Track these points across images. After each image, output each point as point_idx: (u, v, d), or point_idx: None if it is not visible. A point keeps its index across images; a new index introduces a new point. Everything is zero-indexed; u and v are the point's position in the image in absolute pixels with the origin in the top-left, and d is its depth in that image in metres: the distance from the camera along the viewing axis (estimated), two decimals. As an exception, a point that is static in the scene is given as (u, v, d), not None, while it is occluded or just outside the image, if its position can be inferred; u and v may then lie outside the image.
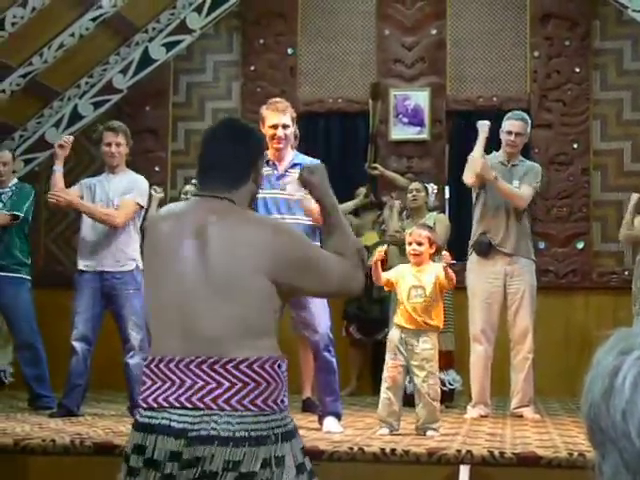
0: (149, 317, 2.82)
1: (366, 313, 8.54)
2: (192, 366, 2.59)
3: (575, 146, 9.21)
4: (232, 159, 2.85)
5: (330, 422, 5.67)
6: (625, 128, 9.24)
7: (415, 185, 7.97)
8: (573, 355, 8.24)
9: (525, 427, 6.08)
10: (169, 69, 9.89)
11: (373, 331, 8.47)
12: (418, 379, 5.56)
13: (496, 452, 4.69)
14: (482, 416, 6.67)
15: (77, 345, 6.62)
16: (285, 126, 5.89)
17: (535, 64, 9.38)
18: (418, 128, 9.45)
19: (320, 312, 5.73)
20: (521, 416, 6.65)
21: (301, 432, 5.47)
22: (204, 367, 2.58)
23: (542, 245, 9.00)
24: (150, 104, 9.79)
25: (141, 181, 6.88)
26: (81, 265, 6.75)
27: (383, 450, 4.74)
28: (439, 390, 5.70)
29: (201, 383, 2.58)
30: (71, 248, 9.21)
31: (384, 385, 5.62)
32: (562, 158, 9.19)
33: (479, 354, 6.84)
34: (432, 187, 8.11)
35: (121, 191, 6.74)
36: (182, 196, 8.33)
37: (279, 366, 2.67)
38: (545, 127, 9.27)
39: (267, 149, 6.07)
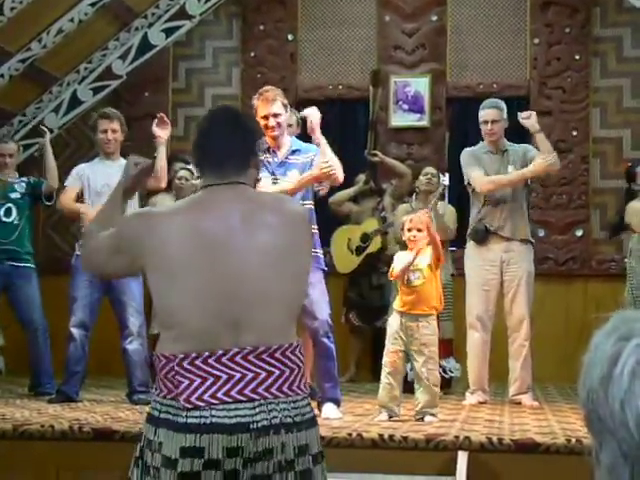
0: (170, 315, 2.66)
1: (366, 300, 8.55)
2: (238, 358, 2.55)
3: (575, 133, 9.20)
4: (238, 145, 2.82)
5: (329, 408, 5.68)
6: (625, 116, 9.23)
7: (430, 170, 7.95)
8: (572, 342, 8.24)
9: (523, 414, 6.09)
10: (168, 55, 9.88)
11: (373, 318, 8.48)
12: (417, 364, 5.57)
13: (494, 438, 4.70)
14: (480, 402, 6.69)
15: (75, 331, 6.63)
16: (276, 115, 5.92)
17: (535, 51, 9.37)
18: (418, 115, 9.44)
19: (319, 299, 5.74)
20: (519, 403, 6.66)
21: (300, 418, 5.49)
22: (251, 357, 2.55)
23: (541, 232, 9.00)
24: (149, 90, 9.78)
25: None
26: (79, 251, 6.76)
27: (382, 436, 4.75)
28: (439, 375, 5.71)
29: (251, 375, 2.54)
30: (70, 235, 9.21)
31: (384, 370, 5.63)
32: (562, 145, 9.17)
33: (476, 341, 6.84)
34: (445, 179, 8.11)
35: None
36: (176, 181, 8.32)
37: (302, 350, 2.71)
38: (545, 114, 9.24)
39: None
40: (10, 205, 7.50)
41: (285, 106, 6.00)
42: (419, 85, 9.42)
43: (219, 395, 2.52)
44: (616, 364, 1.14)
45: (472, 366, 6.87)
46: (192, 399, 2.52)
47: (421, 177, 7.94)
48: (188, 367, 2.55)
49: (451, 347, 7.69)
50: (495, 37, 9.43)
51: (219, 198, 2.74)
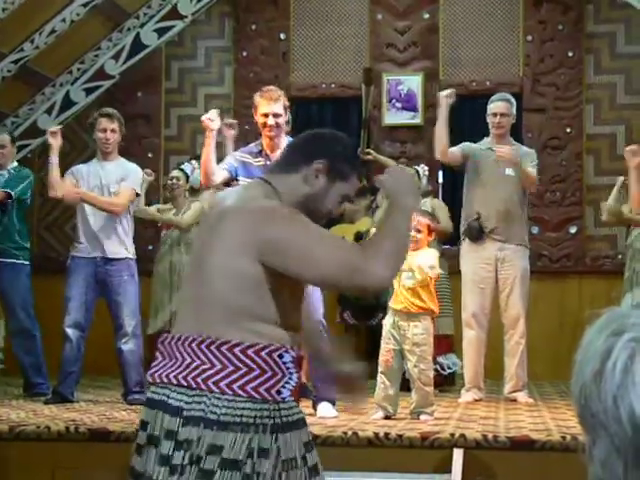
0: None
1: (360, 299, 8.54)
2: (193, 345, 2.58)
3: (568, 130, 9.21)
4: (291, 150, 2.86)
5: (324, 407, 5.68)
6: (618, 112, 9.24)
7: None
8: (566, 339, 8.25)
9: (519, 411, 6.10)
10: (161, 55, 9.87)
11: (367, 317, 8.47)
12: (410, 364, 5.57)
13: (490, 436, 4.71)
14: (476, 400, 6.69)
15: (70, 332, 6.62)
16: (276, 115, 5.88)
17: (528, 48, 9.37)
18: (411, 113, 9.44)
19: (313, 298, 5.73)
20: (515, 400, 6.67)
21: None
22: (202, 346, 2.56)
23: (535, 230, 9.01)
24: (142, 90, 9.77)
25: (135, 169, 6.90)
26: (75, 251, 6.76)
27: (377, 435, 4.76)
28: (432, 375, 5.70)
29: (197, 362, 2.55)
30: (64, 234, 9.22)
31: (379, 369, 5.64)
32: (555, 142, 9.19)
33: (471, 339, 6.85)
34: (423, 168, 8.11)
35: (115, 178, 6.75)
36: (168, 182, 8.34)
37: (280, 356, 2.57)
38: (538, 111, 9.27)
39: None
40: None
41: (286, 108, 5.98)
42: (412, 83, 9.43)
43: (171, 376, 2.58)
44: (608, 359, 1.14)
45: (467, 364, 6.88)
46: (155, 375, 2.63)
47: None
48: (161, 346, 2.67)
49: (451, 343, 7.70)
50: (488, 34, 9.43)
51: (235, 189, 2.94)
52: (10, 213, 7.33)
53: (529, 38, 9.36)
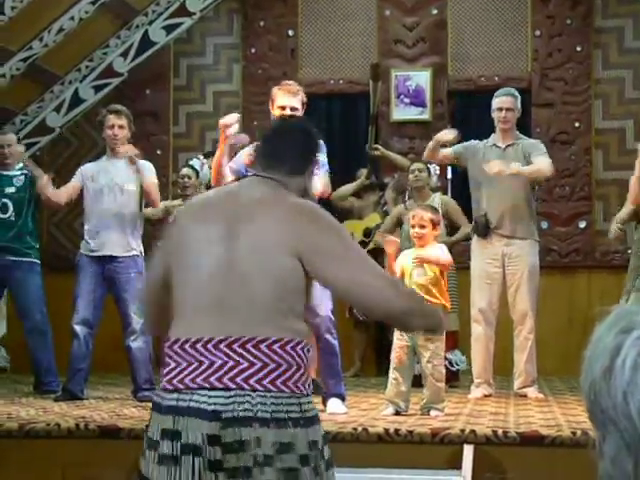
0: (176, 300, 2.70)
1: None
2: (222, 346, 2.54)
3: (577, 125, 9.19)
4: (288, 147, 2.88)
5: (334, 403, 5.68)
6: (627, 107, 9.22)
7: (417, 165, 7.97)
8: (576, 334, 8.24)
9: (528, 406, 6.09)
10: (169, 52, 9.87)
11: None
12: (423, 359, 5.56)
13: (500, 431, 4.70)
14: (485, 396, 6.68)
15: (78, 329, 6.63)
16: (293, 109, 5.88)
17: (536, 43, 9.36)
18: (420, 109, 9.43)
19: (321, 295, 5.71)
20: (525, 396, 6.66)
21: (305, 414, 5.48)
22: (235, 346, 2.54)
23: (544, 225, 8.99)
24: (151, 87, 9.78)
25: (147, 163, 6.90)
26: (84, 249, 6.77)
27: (387, 430, 4.75)
28: (444, 371, 5.70)
29: (232, 363, 2.52)
30: (73, 232, 9.23)
31: (391, 366, 5.63)
32: (564, 137, 9.18)
33: (479, 335, 6.84)
34: (435, 167, 8.10)
35: (126, 176, 6.75)
36: (179, 180, 8.34)
37: (308, 350, 2.65)
38: (547, 106, 9.26)
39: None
40: (5, 200, 7.32)
41: (303, 104, 5.98)
42: (420, 79, 9.41)
43: (198, 380, 2.53)
44: (618, 356, 1.14)
45: (476, 359, 6.87)
46: (174, 381, 2.56)
47: (409, 175, 7.96)
48: (177, 350, 2.59)
49: (456, 339, 7.70)
50: (496, 29, 9.42)
51: (235, 188, 2.86)
52: (25, 214, 7.36)
53: (537, 33, 9.34)
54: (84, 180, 6.83)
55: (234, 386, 2.51)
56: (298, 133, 2.94)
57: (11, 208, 7.33)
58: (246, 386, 2.52)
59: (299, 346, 2.61)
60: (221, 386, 2.51)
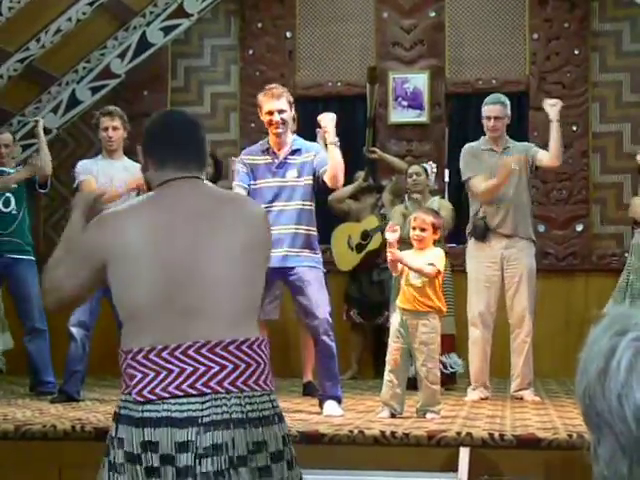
0: (127, 309, 2.66)
1: (366, 297, 8.54)
2: (191, 351, 2.53)
3: (574, 128, 9.18)
4: (198, 142, 2.85)
5: (330, 406, 5.68)
6: (624, 110, 9.22)
7: (415, 169, 7.96)
8: (573, 337, 8.24)
9: (525, 409, 6.09)
10: (167, 53, 9.87)
11: (373, 315, 8.47)
12: (418, 362, 5.57)
13: (496, 434, 4.71)
14: (482, 399, 6.69)
15: (75, 331, 6.63)
16: (281, 111, 5.89)
17: (534, 46, 9.36)
18: (417, 111, 9.42)
19: (318, 297, 5.73)
20: (521, 398, 6.66)
21: (302, 416, 5.52)
22: (204, 351, 2.53)
23: (542, 228, 8.99)
24: (148, 89, 9.77)
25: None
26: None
27: (383, 433, 4.75)
28: (439, 374, 5.69)
29: (203, 368, 2.52)
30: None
31: (386, 368, 5.63)
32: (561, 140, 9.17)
33: (476, 338, 6.84)
34: (431, 165, 8.10)
35: (123, 178, 6.76)
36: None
37: (266, 346, 2.67)
38: (544, 109, 9.24)
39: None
40: (9, 195, 7.40)
41: (290, 104, 5.98)
42: (418, 81, 9.41)
43: (170, 389, 2.51)
44: (613, 358, 1.14)
45: (473, 363, 6.87)
46: (144, 393, 2.53)
47: (408, 178, 7.95)
48: (142, 361, 2.55)
49: (453, 342, 7.69)
50: (494, 32, 9.42)
51: (179, 192, 2.73)
52: (24, 209, 7.41)
53: (535, 36, 9.34)
54: (92, 173, 6.84)
55: (209, 391, 2.52)
56: (195, 128, 2.88)
57: (13, 202, 7.40)
58: (221, 389, 2.52)
59: (263, 344, 2.64)
60: (195, 392, 2.51)
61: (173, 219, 2.66)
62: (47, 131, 9.50)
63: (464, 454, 4.56)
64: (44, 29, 8.77)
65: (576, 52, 9.27)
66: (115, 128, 6.81)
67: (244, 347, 2.57)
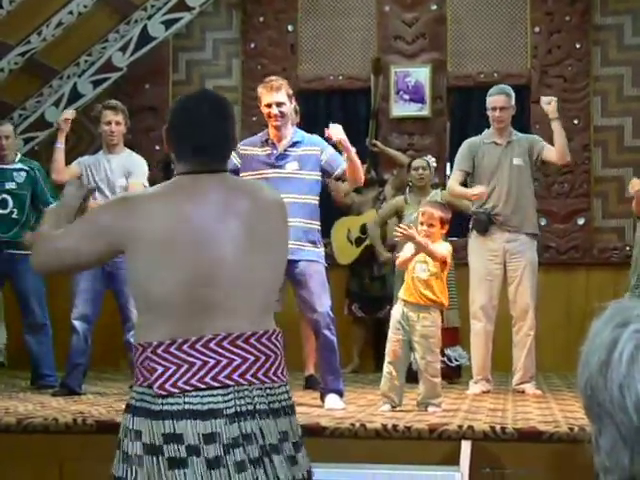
0: (146, 299, 2.64)
1: (367, 291, 8.55)
2: (212, 344, 2.54)
3: (576, 122, 9.18)
4: (224, 133, 2.80)
5: (332, 399, 5.68)
6: (626, 104, 9.22)
7: (420, 163, 7.97)
8: (574, 331, 8.24)
9: (526, 402, 6.10)
10: (168, 47, 9.86)
11: (375, 309, 8.48)
12: (418, 355, 5.57)
13: (497, 427, 4.71)
14: (484, 392, 6.69)
15: (77, 324, 6.64)
16: (280, 104, 5.89)
17: (536, 40, 9.35)
18: (419, 105, 9.42)
19: (320, 291, 5.73)
20: (523, 392, 6.67)
21: (303, 409, 5.52)
22: (225, 344, 2.55)
23: (543, 221, 8.99)
24: (150, 82, 9.77)
25: (141, 162, 6.90)
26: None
27: (385, 426, 4.76)
28: (439, 367, 5.69)
29: (225, 361, 2.53)
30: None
31: (386, 360, 5.63)
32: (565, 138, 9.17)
33: (478, 331, 6.84)
34: (431, 159, 8.12)
35: (122, 172, 6.75)
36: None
37: (282, 338, 2.71)
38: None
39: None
40: (5, 196, 7.30)
41: (290, 96, 5.98)
42: (420, 75, 9.40)
43: (193, 382, 2.52)
44: (614, 350, 1.15)
45: (475, 356, 6.87)
46: (166, 386, 2.53)
47: (412, 172, 7.95)
48: (162, 354, 2.54)
49: (457, 335, 7.70)
50: (495, 26, 9.41)
51: (204, 184, 2.70)
52: (28, 208, 7.34)
53: (536, 30, 9.33)
54: (84, 170, 6.82)
55: (232, 383, 2.53)
56: (216, 113, 2.81)
57: (11, 203, 7.30)
58: (243, 381, 2.54)
59: (279, 336, 2.68)
60: (218, 385, 2.52)
61: (199, 212, 2.63)
62: (49, 125, 9.53)
63: (466, 447, 4.57)
64: (45, 22, 8.76)
65: (577, 46, 9.26)
66: (118, 123, 6.81)
67: (263, 339, 2.60)
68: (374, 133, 8.58)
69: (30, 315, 7.33)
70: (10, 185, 7.32)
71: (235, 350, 2.55)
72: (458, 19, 9.48)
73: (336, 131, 5.83)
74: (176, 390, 2.52)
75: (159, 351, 2.55)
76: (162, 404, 2.53)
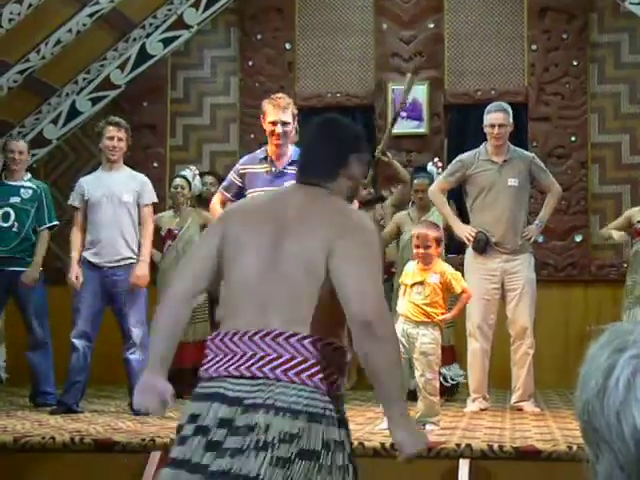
0: (224, 297, 2.83)
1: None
2: (256, 338, 2.64)
3: (573, 139, 9.20)
4: (325, 153, 2.92)
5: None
6: (623, 121, 9.24)
7: (420, 185, 7.82)
8: (572, 348, 8.25)
9: (524, 420, 6.09)
10: (166, 65, 9.89)
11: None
12: (417, 372, 5.57)
13: (495, 446, 4.70)
14: (481, 410, 6.68)
15: (77, 342, 6.63)
16: (285, 123, 5.87)
17: (533, 57, 9.38)
18: (417, 122, 9.44)
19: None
20: (521, 409, 6.66)
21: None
22: (267, 339, 2.63)
23: (541, 238, 8.98)
24: (148, 100, 9.79)
25: (147, 181, 6.94)
26: (85, 260, 6.76)
27: (383, 445, 4.75)
28: (438, 385, 5.69)
29: (261, 354, 2.62)
30: (69, 245, 9.21)
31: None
32: (560, 151, 9.19)
33: (475, 350, 6.83)
34: (436, 162, 8.11)
35: (126, 189, 6.77)
36: (172, 190, 8.28)
37: (342, 355, 2.71)
38: (543, 120, 9.27)
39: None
40: (8, 209, 7.33)
41: (294, 116, 5.97)
42: (417, 92, 9.41)
43: (230, 369, 2.64)
44: (611, 376, 1.15)
45: (472, 374, 6.86)
46: (209, 371, 2.69)
47: (412, 192, 7.92)
48: (217, 343, 2.71)
49: (453, 354, 7.68)
50: (493, 44, 9.44)
51: (288, 192, 2.97)
52: (29, 225, 7.35)
53: (534, 47, 9.36)
54: (83, 195, 6.83)
55: (261, 375, 2.60)
56: (329, 133, 2.98)
57: (13, 217, 7.34)
58: (271, 375, 2.60)
59: (331, 346, 2.67)
60: (249, 374, 2.61)
61: (263, 218, 2.80)
62: (47, 142, 9.55)
63: (464, 466, 4.56)
64: (44, 40, 8.79)
65: (575, 63, 9.29)
66: (120, 139, 6.83)
67: (306, 342, 2.63)
68: (387, 144, 8.37)
69: (32, 332, 7.35)
70: (15, 199, 7.38)
71: (273, 345, 2.63)
72: (455, 37, 9.51)
73: None
74: (216, 374, 2.67)
75: (215, 340, 2.74)
76: (201, 387, 2.71)
